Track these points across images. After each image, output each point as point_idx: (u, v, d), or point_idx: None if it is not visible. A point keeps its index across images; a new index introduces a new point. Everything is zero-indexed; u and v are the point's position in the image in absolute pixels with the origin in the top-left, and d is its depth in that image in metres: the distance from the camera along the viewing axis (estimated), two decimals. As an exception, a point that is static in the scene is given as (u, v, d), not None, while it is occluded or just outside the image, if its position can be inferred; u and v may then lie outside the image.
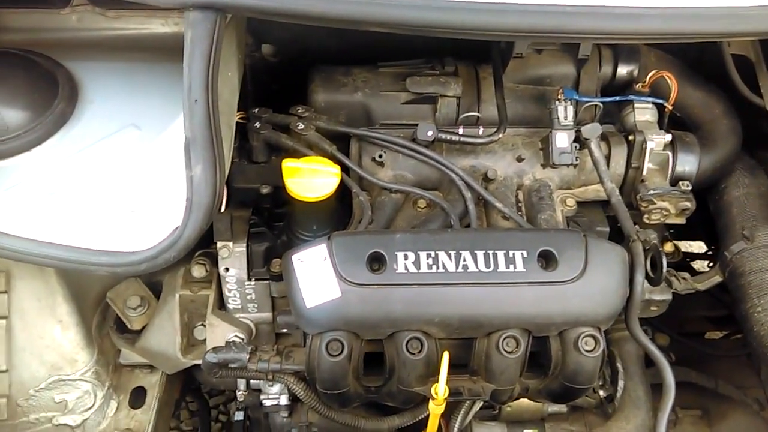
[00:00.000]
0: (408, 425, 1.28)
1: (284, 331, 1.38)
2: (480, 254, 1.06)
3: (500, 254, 1.06)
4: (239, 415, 1.59)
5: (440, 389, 1.04)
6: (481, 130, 1.31)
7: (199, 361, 1.35)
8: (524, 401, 1.31)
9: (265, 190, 1.30)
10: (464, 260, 1.06)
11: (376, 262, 1.06)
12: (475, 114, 1.32)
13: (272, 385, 1.40)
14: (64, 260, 1.00)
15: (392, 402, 1.19)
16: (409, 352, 1.05)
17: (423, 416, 1.24)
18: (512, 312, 1.05)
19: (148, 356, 1.43)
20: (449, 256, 1.06)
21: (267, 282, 1.31)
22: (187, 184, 1.01)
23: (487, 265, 1.05)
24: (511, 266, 1.05)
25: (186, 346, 1.37)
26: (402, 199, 1.27)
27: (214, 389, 2.39)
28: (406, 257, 1.06)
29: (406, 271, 1.05)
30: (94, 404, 1.43)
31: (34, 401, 1.40)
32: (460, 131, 1.30)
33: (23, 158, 1.20)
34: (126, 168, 1.18)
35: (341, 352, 1.05)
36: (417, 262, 1.06)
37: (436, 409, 1.11)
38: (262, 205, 1.33)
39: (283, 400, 1.43)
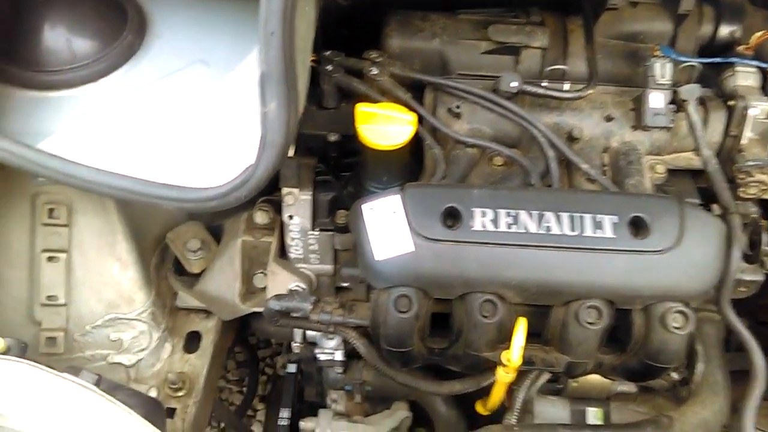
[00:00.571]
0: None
1: (345, 285, 1.34)
2: (565, 216, 0.98)
3: (587, 218, 0.98)
4: (292, 368, 1.57)
5: (514, 356, 0.98)
6: (566, 86, 1.22)
7: (257, 309, 1.33)
8: (592, 377, 1.24)
9: (333, 137, 1.24)
10: (547, 221, 0.98)
11: (452, 217, 1.00)
12: (562, 67, 1.23)
13: (330, 339, 1.36)
14: (132, 192, 0.97)
15: (456, 366, 1.14)
16: (482, 315, 0.99)
17: (485, 384, 1.18)
18: (597, 281, 0.98)
19: (205, 301, 1.40)
20: (531, 216, 0.99)
21: (331, 233, 1.27)
22: (261, 121, 0.95)
23: (573, 229, 0.98)
24: (599, 231, 0.97)
25: (245, 293, 1.34)
26: (478, 155, 1.20)
27: (260, 341, 2.39)
28: (483, 214, 1.00)
29: (483, 229, 0.99)
30: (149, 345, 1.42)
31: (90, 337, 1.40)
32: (544, 85, 1.21)
33: (90, 88, 1.17)
34: (195, 104, 1.14)
35: (410, 309, 1.00)
36: (495, 221, 0.99)
37: (505, 377, 1.05)
38: (329, 153, 1.27)
39: (339, 356, 1.39)
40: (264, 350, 2.39)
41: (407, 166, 1.18)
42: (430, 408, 1.44)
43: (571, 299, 1.00)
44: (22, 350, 1.07)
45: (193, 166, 1.05)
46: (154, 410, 1.17)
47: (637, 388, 1.30)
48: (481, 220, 0.99)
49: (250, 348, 2.08)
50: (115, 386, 1.13)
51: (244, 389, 2.26)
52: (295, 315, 1.14)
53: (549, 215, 0.98)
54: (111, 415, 0.93)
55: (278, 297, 1.14)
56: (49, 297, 1.35)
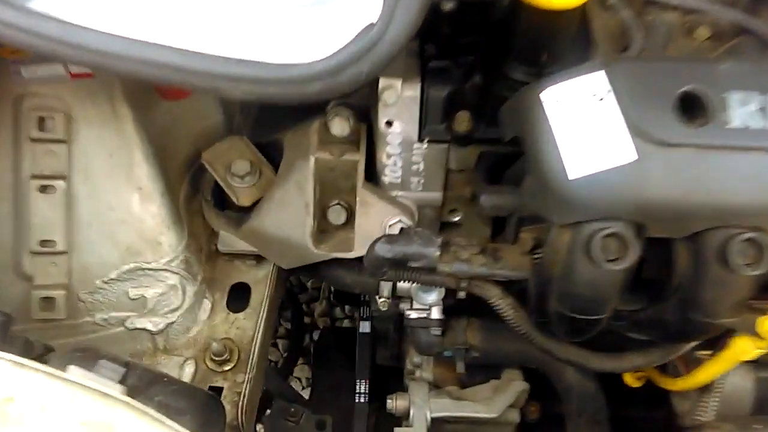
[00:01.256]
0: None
1: (455, 219, 0.97)
2: None
3: None
4: (365, 327, 1.23)
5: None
6: None
7: (337, 255, 0.96)
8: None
9: (448, 5, 0.84)
10: None
11: (692, 108, 0.63)
12: None
13: (428, 293, 1.01)
14: (183, 70, 0.57)
15: (646, 335, 0.80)
16: (738, 263, 0.63)
17: (673, 357, 0.84)
18: None
19: (260, 244, 1.03)
20: (824, 104, 0.62)
21: (445, 146, 0.89)
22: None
23: None
24: None
25: (317, 233, 0.96)
26: (677, 23, 0.81)
27: (296, 285, 2.04)
28: (744, 102, 0.63)
29: (745, 126, 0.62)
30: (182, 304, 1.06)
31: (101, 296, 1.03)
32: None
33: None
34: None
35: (623, 255, 0.63)
36: (765, 111, 0.62)
37: (748, 354, 0.70)
38: (441, 30, 0.87)
39: (436, 314, 1.04)
40: (300, 296, 2.05)
41: (575, 41, 0.79)
42: (557, 378, 1.11)
43: None
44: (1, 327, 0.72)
45: (267, 37, 0.66)
46: (209, 412, 0.81)
47: None
48: (740, 111, 0.62)
49: (290, 295, 1.73)
50: (150, 380, 0.76)
51: (279, 341, 1.93)
52: (415, 264, 0.78)
53: None
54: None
55: (390, 240, 0.78)
56: (43, 242, 0.98)
